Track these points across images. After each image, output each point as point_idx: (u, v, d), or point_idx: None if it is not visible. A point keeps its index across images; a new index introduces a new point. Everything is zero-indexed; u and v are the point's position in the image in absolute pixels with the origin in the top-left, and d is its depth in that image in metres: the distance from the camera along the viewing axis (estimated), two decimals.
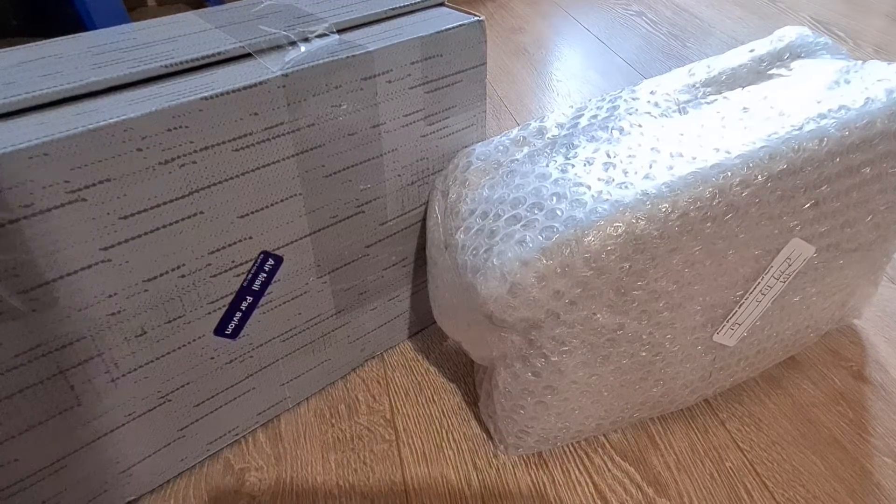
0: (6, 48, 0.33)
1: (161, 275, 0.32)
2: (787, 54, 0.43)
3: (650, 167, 0.34)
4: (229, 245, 0.34)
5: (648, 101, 0.41)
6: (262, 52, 0.34)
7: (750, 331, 0.40)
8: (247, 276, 0.36)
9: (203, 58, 0.32)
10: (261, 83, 0.31)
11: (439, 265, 0.39)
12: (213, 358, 0.37)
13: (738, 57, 0.43)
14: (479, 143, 0.41)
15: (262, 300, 0.38)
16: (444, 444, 0.43)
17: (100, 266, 0.30)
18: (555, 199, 0.34)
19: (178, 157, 0.30)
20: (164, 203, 0.30)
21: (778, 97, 0.39)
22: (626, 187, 0.33)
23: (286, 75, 0.32)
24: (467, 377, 0.48)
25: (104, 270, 0.30)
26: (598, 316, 0.34)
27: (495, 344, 0.36)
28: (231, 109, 0.31)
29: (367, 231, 0.41)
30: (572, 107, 0.42)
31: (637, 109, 0.40)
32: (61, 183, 0.27)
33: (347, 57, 0.34)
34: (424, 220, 0.44)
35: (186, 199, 0.31)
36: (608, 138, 0.38)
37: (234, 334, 0.38)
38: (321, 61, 0.33)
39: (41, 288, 0.28)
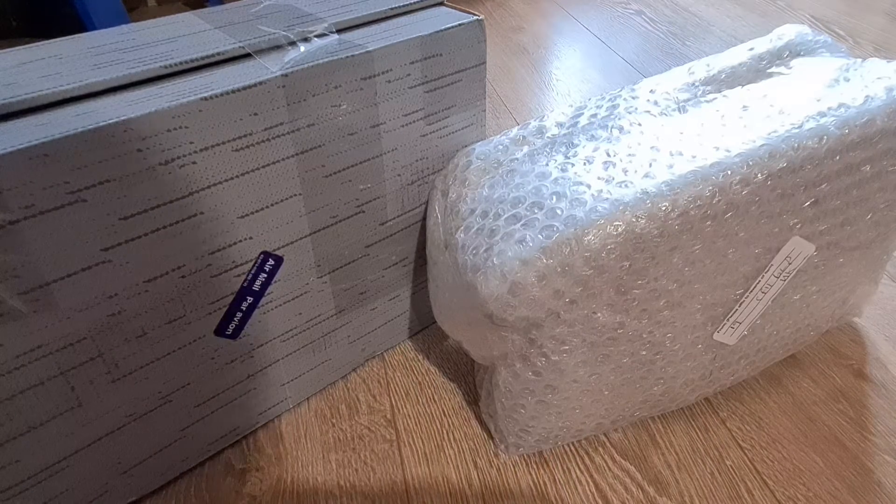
0: (6, 49, 0.33)
1: (161, 275, 0.32)
2: (787, 52, 0.43)
3: (650, 166, 0.34)
4: (229, 245, 0.34)
5: (648, 100, 0.41)
6: (261, 52, 0.34)
7: (750, 329, 0.40)
8: (247, 276, 0.36)
9: (203, 58, 0.32)
10: (260, 83, 0.31)
11: (439, 265, 0.39)
12: (213, 358, 0.37)
13: (737, 55, 0.43)
14: (479, 143, 0.41)
15: (263, 300, 0.38)
16: (444, 444, 0.43)
17: (100, 267, 0.30)
18: (555, 198, 0.34)
19: (178, 157, 0.30)
20: (165, 203, 0.31)
21: (777, 95, 0.39)
22: (626, 186, 0.33)
23: (286, 75, 0.32)
24: (468, 377, 0.48)
25: (104, 271, 0.30)
26: (599, 315, 0.34)
27: (496, 343, 0.36)
28: (231, 110, 0.31)
29: (367, 231, 0.41)
30: (572, 106, 0.42)
31: (637, 108, 0.40)
32: (61, 184, 0.27)
33: (347, 57, 0.34)
34: (424, 219, 0.44)
35: (186, 199, 0.31)
36: (608, 137, 0.38)
37: (235, 335, 0.38)
38: (321, 61, 0.33)
39: (42, 289, 0.28)
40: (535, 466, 0.41)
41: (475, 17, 0.39)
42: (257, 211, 0.34)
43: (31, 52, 0.33)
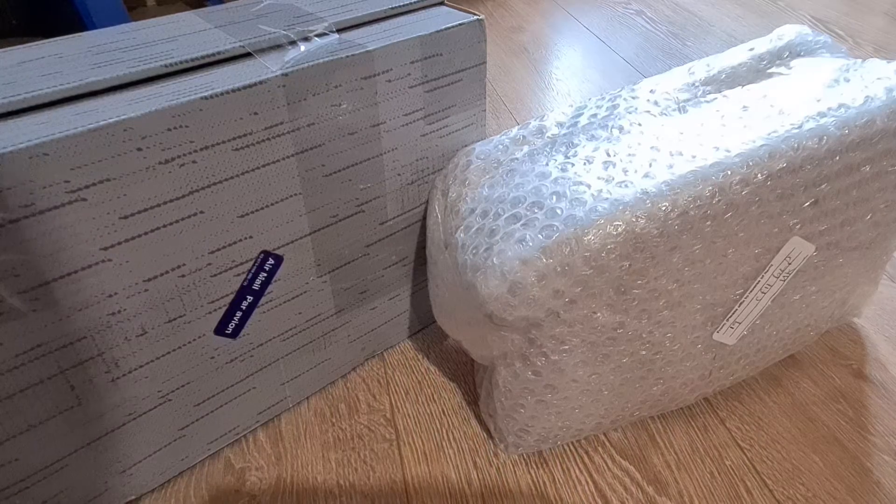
0: (6, 48, 0.33)
1: (161, 274, 0.32)
2: (787, 53, 0.43)
3: (650, 166, 0.34)
4: (229, 245, 0.34)
5: (648, 100, 0.41)
6: (261, 51, 0.34)
7: (750, 329, 0.40)
8: (247, 275, 0.36)
9: (203, 57, 0.32)
10: (261, 83, 0.31)
11: (439, 264, 0.39)
12: (213, 357, 0.37)
13: (737, 55, 0.43)
14: (479, 142, 0.41)
15: (263, 300, 0.38)
16: (444, 443, 0.43)
17: (100, 266, 0.30)
18: (555, 197, 0.34)
19: (178, 156, 0.30)
20: (165, 203, 0.31)
21: (777, 96, 0.39)
22: (626, 186, 0.33)
23: (286, 75, 0.32)
24: (467, 376, 0.48)
25: (104, 270, 0.30)
26: (599, 315, 0.34)
27: (495, 343, 0.36)
28: (231, 109, 0.31)
29: (368, 230, 0.41)
30: (572, 106, 0.42)
31: (637, 108, 0.40)
32: (61, 183, 0.27)
33: (347, 56, 0.34)
34: (424, 219, 0.44)
35: (186, 198, 0.31)
36: (608, 137, 0.38)
37: (235, 334, 0.38)
38: (321, 61, 0.33)
39: (41, 288, 0.28)
40: (534, 466, 0.41)
41: (475, 17, 0.39)
42: (257, 210, 0.34)
43: (31, 51, 0.33)
